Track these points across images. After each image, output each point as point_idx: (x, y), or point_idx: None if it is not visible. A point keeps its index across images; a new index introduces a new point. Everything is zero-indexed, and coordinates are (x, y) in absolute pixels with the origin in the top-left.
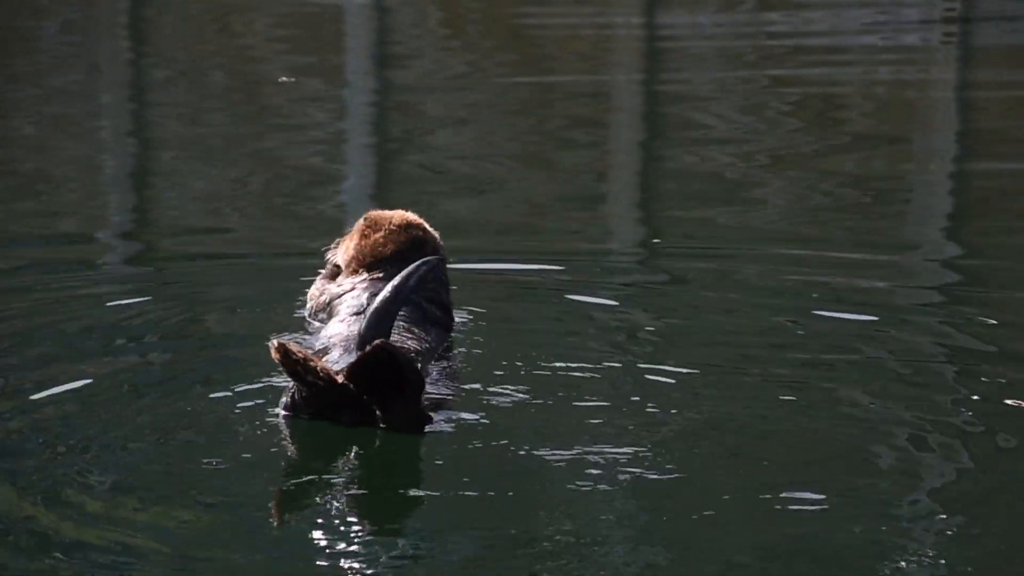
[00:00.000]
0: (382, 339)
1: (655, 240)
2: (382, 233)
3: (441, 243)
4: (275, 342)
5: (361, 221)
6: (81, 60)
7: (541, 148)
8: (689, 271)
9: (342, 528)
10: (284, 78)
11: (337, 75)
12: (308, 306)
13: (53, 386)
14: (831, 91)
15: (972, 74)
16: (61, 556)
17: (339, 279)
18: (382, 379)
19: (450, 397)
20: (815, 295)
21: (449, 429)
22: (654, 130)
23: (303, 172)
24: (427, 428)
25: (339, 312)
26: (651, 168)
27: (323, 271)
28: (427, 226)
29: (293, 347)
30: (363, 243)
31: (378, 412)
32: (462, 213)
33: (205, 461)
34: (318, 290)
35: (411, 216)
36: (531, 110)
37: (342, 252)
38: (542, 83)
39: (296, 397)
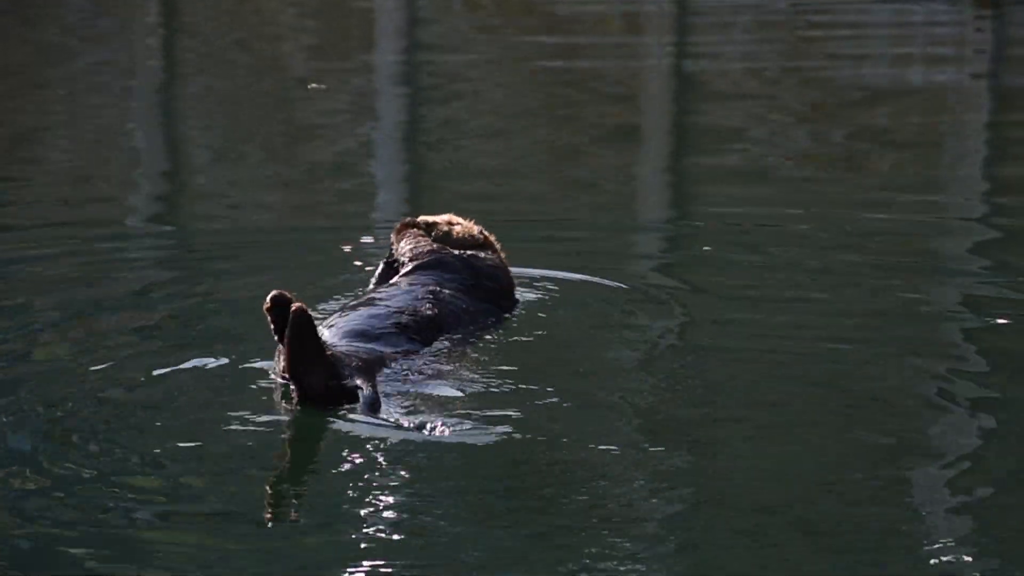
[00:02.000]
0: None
1: (705, 248)
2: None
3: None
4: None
5: (444, 219)
6: (110, 39)
7: (572, 133)
8: (722, 247)
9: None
10: (314, 84)
11: (367, 59)
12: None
13: (54, 348)
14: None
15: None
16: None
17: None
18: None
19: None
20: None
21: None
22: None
23: (334, 151)
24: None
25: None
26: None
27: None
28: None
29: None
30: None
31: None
32: (491, 196)
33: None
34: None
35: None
36: (561, 93)
37: (409, 248)
38: (572, 67)
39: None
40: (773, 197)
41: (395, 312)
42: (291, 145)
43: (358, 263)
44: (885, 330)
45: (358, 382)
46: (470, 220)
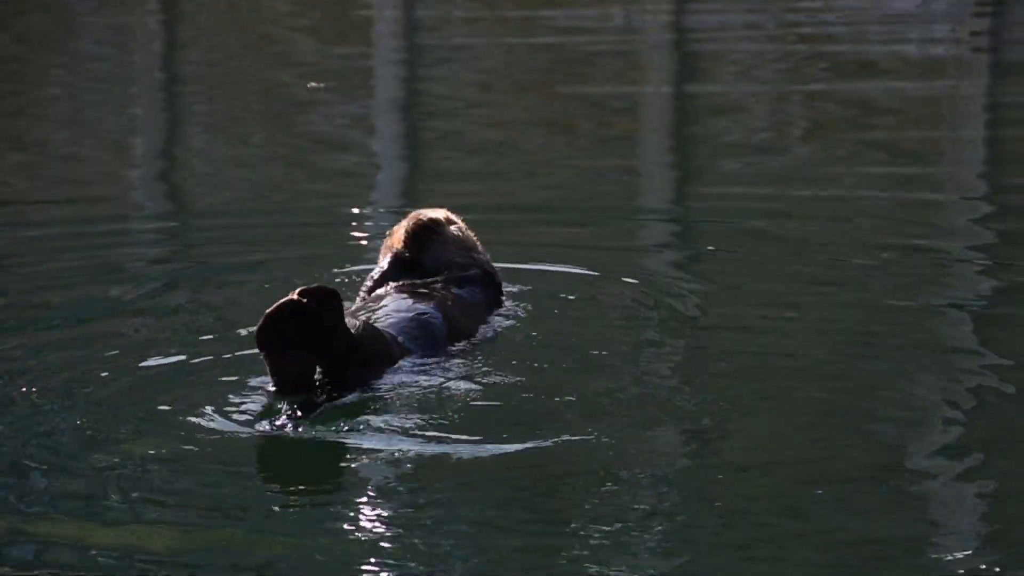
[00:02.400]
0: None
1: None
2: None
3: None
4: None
5: (443, 216)
6: (110, 30)
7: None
8: (722, 229)
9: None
10: (313, 83)
11: (365, 38)
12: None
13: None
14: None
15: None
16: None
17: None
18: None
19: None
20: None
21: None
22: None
23: (331, 135)
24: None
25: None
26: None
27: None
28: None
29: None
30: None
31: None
32: (484, 174)
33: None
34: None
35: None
36: (557, 71)
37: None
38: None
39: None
40: (775, 172)
41: (465, 330)
42: (289, 123)
43: (354, 242)
44: (893, 314)
45: (317, 394)
46: (460, 217)
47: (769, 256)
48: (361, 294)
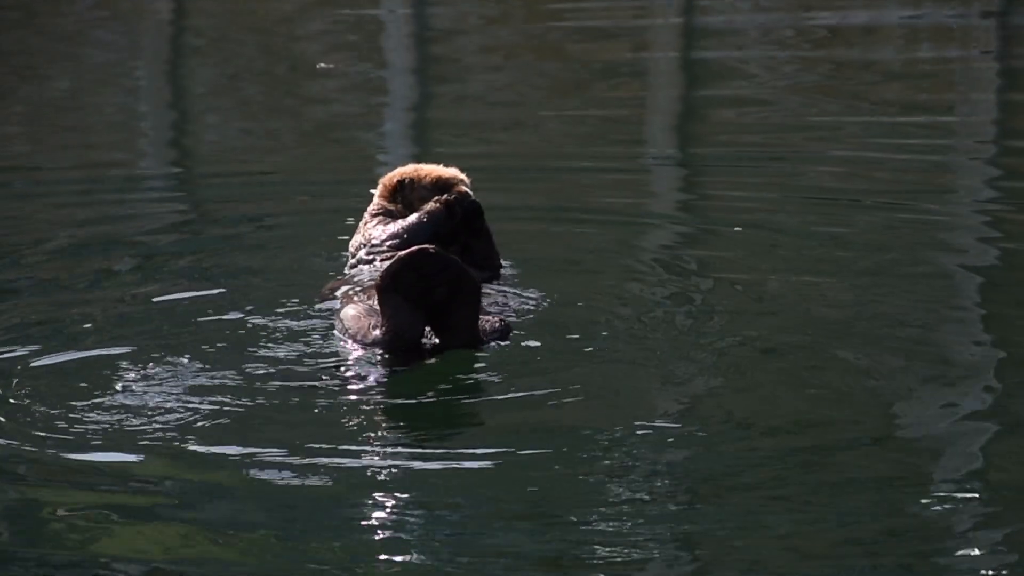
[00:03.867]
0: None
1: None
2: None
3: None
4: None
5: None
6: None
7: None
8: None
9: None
10: (323, 64)
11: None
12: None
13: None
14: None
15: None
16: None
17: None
18: (432, 287)
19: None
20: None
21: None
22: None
23: (339, 102)
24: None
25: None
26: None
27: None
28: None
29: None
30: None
31: (433, 332)
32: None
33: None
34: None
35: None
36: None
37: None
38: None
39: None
40: (783, 126)
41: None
42: (294, 83)
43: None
44: (907, 265)
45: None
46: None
47: (775, 214)
48: (375, 236)
